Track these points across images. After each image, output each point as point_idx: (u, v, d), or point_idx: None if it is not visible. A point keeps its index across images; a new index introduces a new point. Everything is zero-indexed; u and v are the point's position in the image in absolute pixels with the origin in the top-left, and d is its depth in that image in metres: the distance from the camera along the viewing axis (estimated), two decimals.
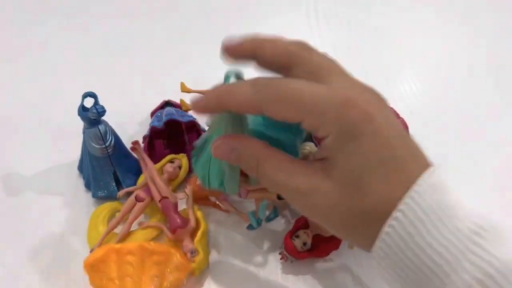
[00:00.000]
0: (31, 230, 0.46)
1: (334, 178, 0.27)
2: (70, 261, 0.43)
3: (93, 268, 0.39)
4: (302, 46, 0.32)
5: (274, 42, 0.33)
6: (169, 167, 0.46)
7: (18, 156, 0.53)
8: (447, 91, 0.61)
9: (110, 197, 0.47)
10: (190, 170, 0.48)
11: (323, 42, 0.58)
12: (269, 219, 0.45)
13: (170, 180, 0.47)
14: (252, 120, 0.34)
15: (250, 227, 0.44)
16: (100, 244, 0.42)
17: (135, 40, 0.68)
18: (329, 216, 0.28)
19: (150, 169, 0.44)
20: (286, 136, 0.34)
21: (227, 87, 0.31)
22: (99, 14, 0.73)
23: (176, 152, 0.49)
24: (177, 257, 0.40)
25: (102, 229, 0.44)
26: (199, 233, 0.42)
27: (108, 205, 0.46)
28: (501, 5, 0.73)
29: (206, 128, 0.49)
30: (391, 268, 0.27)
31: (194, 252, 0.41)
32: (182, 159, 0.48)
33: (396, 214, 0.26)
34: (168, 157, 0.48)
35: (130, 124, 0.55)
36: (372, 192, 0.26)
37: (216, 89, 0.31)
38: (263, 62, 0.32)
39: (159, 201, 0.43)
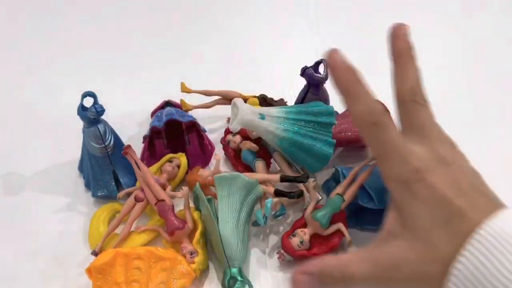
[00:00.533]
0: (31, 229, 0.46)
1: (407, 238, 0.32)
2: (69, 261, 0.43)
3: (100, 271, 0.39)
4: (416, 99, 0.38)
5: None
6: (168, 167, 0.47)
7: (18, 155, 0.53)
8: (447, 91, 0.60)
9: (110, 196, 0.47)
10: (189, 169, 0.48)
11: (323, 42, 0.58)
12: (276, 216, 0.45)
13: (169, 180, 0.46)
14: (284, 129, 0.43)
15: (255, 224, 0.44)
16: (102, 245, 0.42)
17: (137, 40, 0.69)
18: (409, 277, 0.32)
19: (144, 173, 0.44)
20: (315, 143, 0.44)
21: (357, 89, 0.35)
22: (99, 14, 0.73)
23: (176, 152, 0.49)
24: (183, 263, 0.40)
25: (103, 229, 0.44)
26: (197, 234, 0.42)
27: (109, 206, 0.46)
28: (501, 5, 0.73)
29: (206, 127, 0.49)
30: None
31: (193, 253, 0.41)
32: (181, 158, 0.48)
33: (460, 258, 0.29)
34: (167, 156, 0.48)
35: (130, 124, 0.55)
36: (439, 243, 0.30)
37: (352, 76, 0.35)
38: None
39: (155, 204, 0.43)
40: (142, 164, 0.44)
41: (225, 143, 0.50)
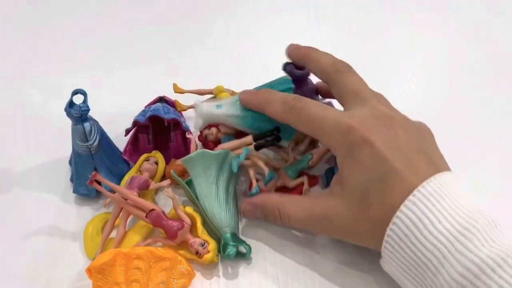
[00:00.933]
0: (29, 228, 0.46)
1: (343, 196, 0.34)
2: (69, 262, 0.43)
3: (100, 271, 0.39)
4: (338, 68, 0.40)
5: (317, 60, 0.42)
6: (146, 165, 0.47)
7: (19, 153, 0.53)
8: (447, 91, 0.61)
9: (88, 195, 0.47)
10: (166, 163, 0.49)
11: (323, 42, 0.58)
12: (266, 181, 0.45)
13: (151, 177, 0.47)
14: (243, 109, 0.45)
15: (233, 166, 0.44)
16: (101, 252, 0.42)
17: (133, 36, 0.69)
18: (341, 229, 0.35)
19: (120, 192, 0.43)
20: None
21: (267, 95, 0.41)
22: (96, 12, 0.73)
23: (160, 148, 0.50)
24: (183, 263, 0.40)
25: (98, 239, 0.44)
26: (199, 226, 0.42)
27: (100, 216, 0.46)
28: (501, 4, 0.73)
29: (191, 127, 0.51)
30: (397, 265, 0.32)
31: (204, 244, 0.41)
32: (156, 155, 0.49)
33: (394, 219, 0.31)
34: (142, 157, 0.48)
35: (124, 121, 0.53)
36: (374, 203, 0.32)
37: (260, 93, 0.43)
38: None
39: (146, 217, 0.42)
40: (115, 185, 0.43)
41: (203, 139, 0.50)
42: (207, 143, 0.49)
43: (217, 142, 0.49)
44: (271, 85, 0.47)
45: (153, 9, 0.73)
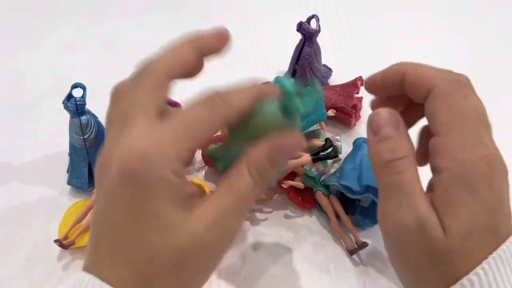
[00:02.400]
0: (18, 219, 0.46)
1: (449, 228, 0.26)
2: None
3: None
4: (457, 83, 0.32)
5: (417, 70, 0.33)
6: None
7: (20, 151, 0.52)
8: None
9: (81, 187, 0.47)
10: None
11: (323, 43, 0.57)
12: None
13: None
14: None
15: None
16: (67, 234, 0.42)
17: (136, 36, 0.67)
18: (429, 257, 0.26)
19: None
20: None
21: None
22: (99, 11, 0.72)
23: None
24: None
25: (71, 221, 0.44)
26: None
27: (83, 201, 0.46)
28: (501, 5, 0.72)
29: None
30: None
31: None
32: None
33: (477, 270, 0.25)
34: None
35: None
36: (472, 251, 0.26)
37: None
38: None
39: None
40: None
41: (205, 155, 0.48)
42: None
43: None
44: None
45: (155, 7, 0.72)
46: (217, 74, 0.62)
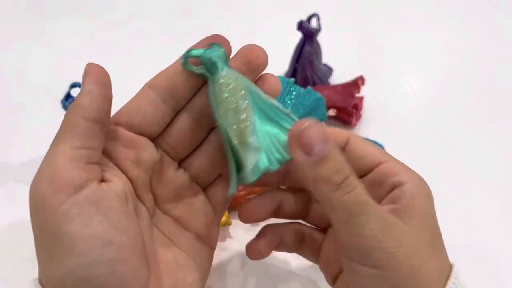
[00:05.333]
0: (27, 224, 0.45)
1: (412, 225, 0.26)
2: None
3: None
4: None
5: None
6: None
7: (18, 151, 0.52)
8: (447, 91, 0.60)
9: None
10: None
11: (324, 42, 0.57)
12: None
13: None
14: None
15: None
16: None
17: (134, 37, 0.68)
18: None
19: None
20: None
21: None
22: (99, 11, 0.72)
23: None
24: None
25: None
26: None
27: None
28: (502, 4, 0.72)
29: None
30: None
31: None
32: None
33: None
34: None
35: None
36: (438, 256, 0.27)
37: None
38: None
39: None
40: None
41: None
42: None
43: None
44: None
45: (154, 8, 0.73)
46: None
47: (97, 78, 0.26)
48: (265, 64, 0.28)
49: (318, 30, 0.54)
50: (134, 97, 0.28)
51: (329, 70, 0.59)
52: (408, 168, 0.29)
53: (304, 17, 0.54)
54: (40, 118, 0.55)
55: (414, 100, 0.58)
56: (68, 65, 0.62)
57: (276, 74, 0.52)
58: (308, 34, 0.54)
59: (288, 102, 0.48)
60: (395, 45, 0.66)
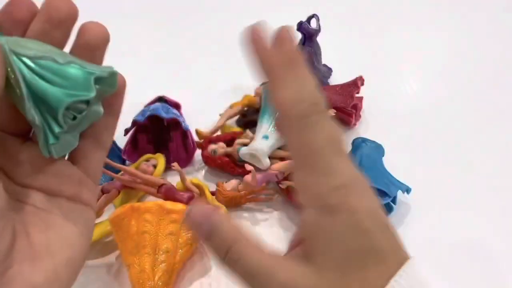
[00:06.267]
0: None
1: (316, 263, 0.26)
2: None
3: (116, 223, 0.40)
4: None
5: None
6: (143, 165, 0.46)
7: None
8: (447, 91, 0.60)
9: None
10: (166, 169, 0.47)
11: (323, 42, 0.57)
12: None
13: None
14: None
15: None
16: None
17: (132, 38, 0.67)
18: None
19: (130, 172, 0.43)
20: None
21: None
22: (98, 11, 0.72)
23: (159, 147, 0.49)
24: None
25: None
26: (207, 194, 0.44)
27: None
28: (501, 5, 0.72)
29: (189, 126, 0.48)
30: None
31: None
32: (158, 158, 0.47)
33: None
34: (144, 156, 0.47)
35: (123, 123, 0.53)
36: (353, 281, 0.25)
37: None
38: None
39: (158, 191, 0.43)
40: (124, 167, 0.44)
41: (208, 154, 0.47)
42: (215, 158, 0.47)
43: (227, 156, 0.47)
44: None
45: (153, 8, 0.73)
46: (217, 74, 0.62)
47: None
48: (72, 16, 0.26)
49: (317, 30, 0.54)
50: None
51: (329, 70, 0.59)
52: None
53: (303, 18, 0.54)
54: None
55: (413, 100, 0.58)
56: None
57: None
58: (308, 34, 0.54)
59: None
60: (394, 45, 0.66)
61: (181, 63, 0.62)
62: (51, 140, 0.25)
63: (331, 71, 0.60)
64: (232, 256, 0.26)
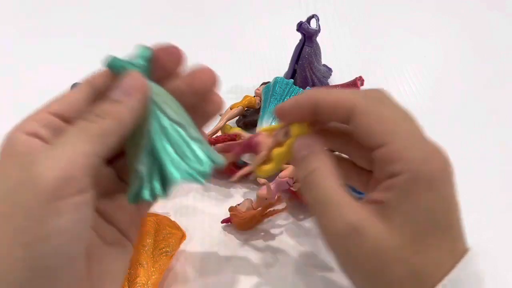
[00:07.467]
0: None
1: (394, 223, 0.26)
2: None
3: None
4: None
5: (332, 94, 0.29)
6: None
7: None
8: (447, 91, 0.60)
9: None
10: None
11: (323, 42, 0.57)
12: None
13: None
14: None
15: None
16: None
17: (135, 36, 0.66)
18: (369, 261, 0.26)
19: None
20: None
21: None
22: (98, 10, 0.72)
23: None
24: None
25: None
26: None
27: None
28: (500, 5, 0.72)
29: None
30: None
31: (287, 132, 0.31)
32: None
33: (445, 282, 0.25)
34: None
35: None
36: (426, 251, 0.26)
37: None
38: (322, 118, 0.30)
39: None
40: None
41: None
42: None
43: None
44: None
45: (154, 8, 0.73)
46: (217, 74, 0.62)
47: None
48: (211, 88, 0.29)
49: (317, 31, 0.54)
50: (73, 90, 0.28)
51: (329, 70, 0.59)
52: (412, 149, 0.27)
53: (303, 18, 0.54)
54: None
55: (413, 100, 0.58)
56: (69, 65, 0.62)
57: (275, 75, 0.53)
58: (308, 35, 0.54)
59: None
60: (394, 45, 0.67)
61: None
62: (147, 196, 0.25)
63: (331, 71, 0.60)
64: (311, 180, 0.27)
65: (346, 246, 0.26)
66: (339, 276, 0.42)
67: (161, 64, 0.27)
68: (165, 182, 0.25)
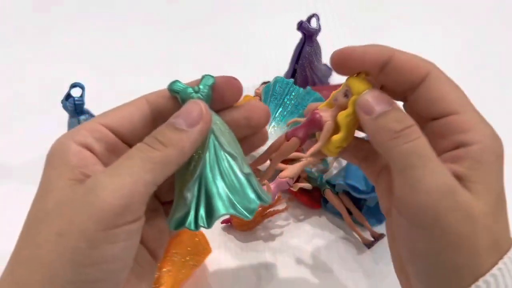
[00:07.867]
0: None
1: (477, 192, 0.25)
2: None
3: None
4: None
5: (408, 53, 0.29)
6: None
7: (19, 151, 0.52)
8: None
9: None
10: None
11: (324, 42, 0.57)
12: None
13: None
14: None
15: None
16: None
17: (135, 37, 0.68)
18: (459, 227, 0.24)
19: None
20: None
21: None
22: (100, 12, 0.72)
23: None
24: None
25: None
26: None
27: None
28: (500, 5, 0.72)
29: None
30: None
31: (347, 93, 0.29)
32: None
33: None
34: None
35: None
36: (503, 221, 0.26)
37: None
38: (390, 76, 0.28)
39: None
40: None
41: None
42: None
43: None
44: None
45: (155, 10, 0.73)
46: (217, 74, 0.62)
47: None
48: (264, 124, 0.29)
49: (318, 30, 0.54)
50: (129, 104, 0.27)
51: (329, 70, 0.59)
52: (482, 123, 0.27)
53: (304, 17, 0.54)
54: (41, 118, 0.55)
55: None
56: (69, 65, 0.62)
57: (276, 74, 0.53)
58: (308, 34, 0.54)
59: (288, 102, 0.48)
60: (394, 45, 0.66)
61: (181, 64, 0.62)
62: (191, 226, 0.25)
63: (331, 70, 0.59)
64: (411, 133, 0.25)
65: (439, 207, 0.24)
66: (339, 276, 0.42)
67: (221, 94, 0.27)
68: (210, 214, 0.25)
